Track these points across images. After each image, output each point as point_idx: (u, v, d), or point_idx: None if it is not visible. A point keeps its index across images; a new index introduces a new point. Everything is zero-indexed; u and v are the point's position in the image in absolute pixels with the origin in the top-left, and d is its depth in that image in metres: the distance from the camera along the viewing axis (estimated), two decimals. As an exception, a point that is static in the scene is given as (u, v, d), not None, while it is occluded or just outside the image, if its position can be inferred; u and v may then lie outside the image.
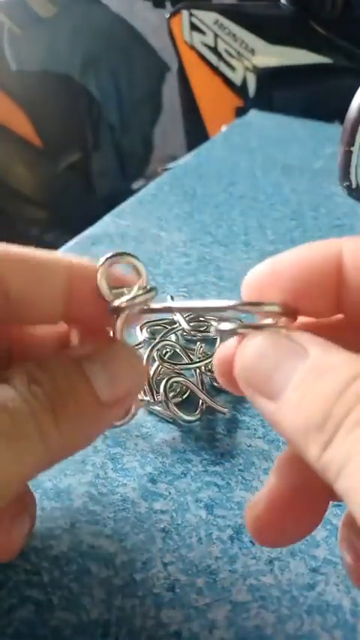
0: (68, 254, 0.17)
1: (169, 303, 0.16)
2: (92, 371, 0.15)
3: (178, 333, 0.31)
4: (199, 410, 0.27)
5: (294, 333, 0.13)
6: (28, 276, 0.16)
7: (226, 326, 0.14)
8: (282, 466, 0.15)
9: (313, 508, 0.15)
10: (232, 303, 0.14)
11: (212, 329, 0.14)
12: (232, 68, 1.09)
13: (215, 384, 0.28)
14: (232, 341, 0.14)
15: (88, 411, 0.15)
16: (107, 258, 0.16)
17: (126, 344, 0.16)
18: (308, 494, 0.15)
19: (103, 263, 0.16)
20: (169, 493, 0.24)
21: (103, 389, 0.15)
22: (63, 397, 0.14)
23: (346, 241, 0.14)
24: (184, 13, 1.10)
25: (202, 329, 0.31)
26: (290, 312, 0.14)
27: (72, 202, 1.32)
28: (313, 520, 0.15)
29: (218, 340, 0.30)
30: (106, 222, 0.44)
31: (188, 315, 0.31)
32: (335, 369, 0.12)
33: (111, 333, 0.16)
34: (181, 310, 0.18)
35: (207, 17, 1.08)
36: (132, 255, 0.16)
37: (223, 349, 0.15)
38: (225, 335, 0.14)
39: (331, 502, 0.15)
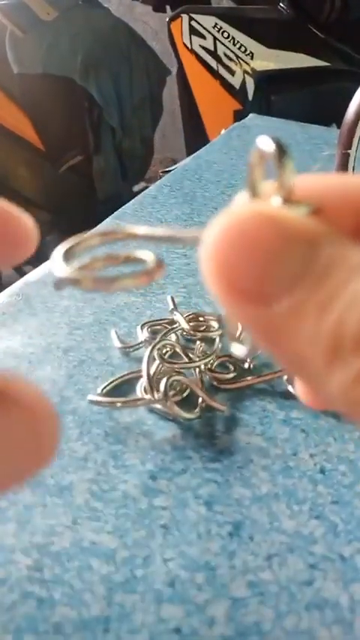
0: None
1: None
2: None
3: (178, 332, 0.31)
4: (198, 408, 0.27)
5: (292, 213, 0.09)
6: None
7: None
8: None
9: None
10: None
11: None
12: (231, 72, 1.10)
13: (214, 382, 0.29)
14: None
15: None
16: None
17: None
18: None
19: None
20: (170, 490, 0.24)
21: None
22: None
23: None
24: (184, 17, 1.11)
25: (201, 329, 0.31)
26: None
27: (74, 204, 1.33)
28: None
29: (217, 340, 0.30)
30: (108, 224, 0.44)
31: (188, 316, 0.32)
32: None
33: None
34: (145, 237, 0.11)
35: (206, 21, 1.09)
36: None
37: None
38: None
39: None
